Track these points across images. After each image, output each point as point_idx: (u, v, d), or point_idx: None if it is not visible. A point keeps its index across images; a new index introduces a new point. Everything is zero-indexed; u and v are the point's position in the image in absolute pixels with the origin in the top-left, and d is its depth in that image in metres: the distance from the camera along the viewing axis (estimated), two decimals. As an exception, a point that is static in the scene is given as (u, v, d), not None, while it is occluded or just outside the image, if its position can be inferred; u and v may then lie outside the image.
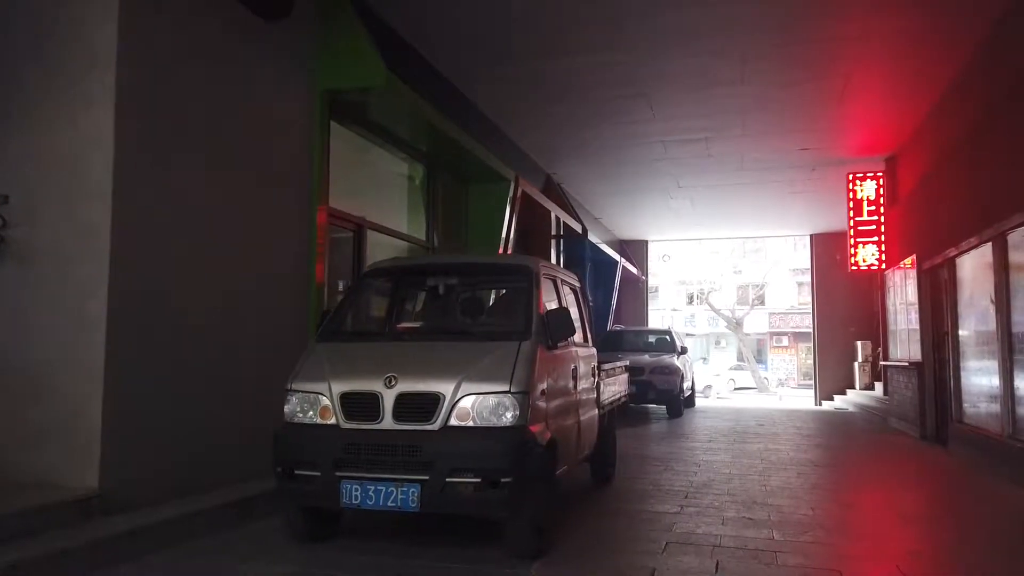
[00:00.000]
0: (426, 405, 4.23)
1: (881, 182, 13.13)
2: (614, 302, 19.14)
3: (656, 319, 33.05)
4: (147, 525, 4.35)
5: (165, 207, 5.00)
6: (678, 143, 12.09)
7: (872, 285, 16.62)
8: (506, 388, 4.23)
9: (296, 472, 4.33)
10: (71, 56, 4.76)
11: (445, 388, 4.23)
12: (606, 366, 6.87)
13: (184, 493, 4.97)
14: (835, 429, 12.89)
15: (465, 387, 4.23)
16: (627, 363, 8.43)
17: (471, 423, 4.20)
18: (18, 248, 4.77)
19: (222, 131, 5.54)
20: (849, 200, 13.38)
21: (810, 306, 21.39)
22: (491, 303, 5.96)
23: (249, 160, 5.85)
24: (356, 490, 4.16)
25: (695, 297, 43.87)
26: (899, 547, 4.99)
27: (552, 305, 5.19)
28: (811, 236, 20.52)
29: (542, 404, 4.54)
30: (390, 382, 4.29)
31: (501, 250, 10.02)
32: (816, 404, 19.80)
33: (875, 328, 16.25)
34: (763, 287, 41.53)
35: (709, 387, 28.09)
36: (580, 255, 15.43)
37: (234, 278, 5.65)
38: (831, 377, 19.76)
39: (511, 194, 10.30)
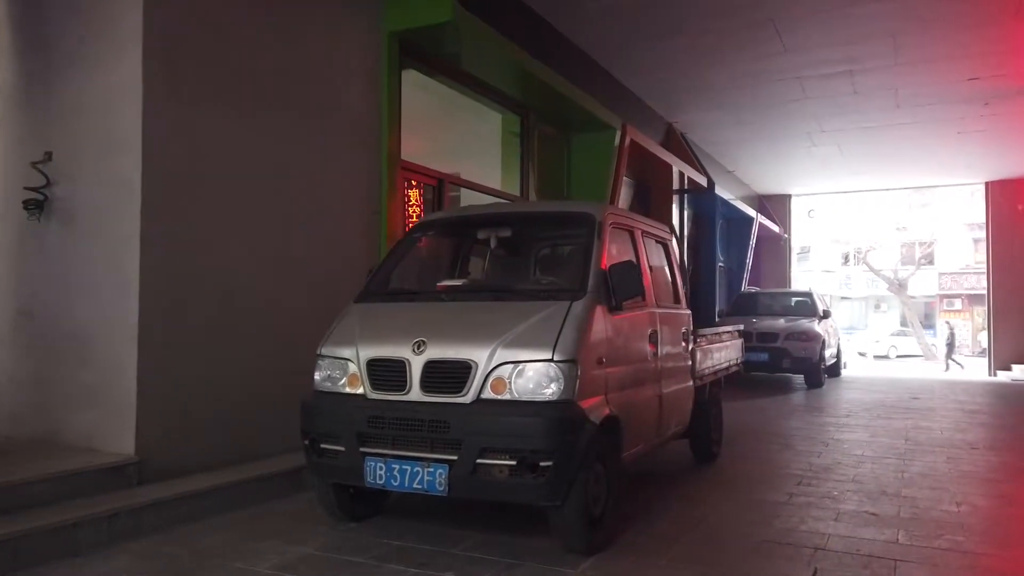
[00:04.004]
0: (457, 374, 3.67)
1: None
2: (748, 262, 17.69)
3: (806, 282, 30.62)
4: (175, 496, 4.13)
5: (200, 160, 4.69)
6: (817, 79, 10.64)
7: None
8: (548, 356, 3.58)
9: (322, 446, 3.94)
10: (102, -4, 4.51)
11: (478, 355, 3.65)
12: (706, 331, 6.01)
13: (225, 463, 4.72)
14: (1008, 404, 11.10)
15: (501, 354, 3.63)
16: (740, 327, 7.45)
17: (507, 396, 3.60)
18: (60, 206, 4.66)
19: (266, 78, 5.14)
20: (1032, 137, 11.36)
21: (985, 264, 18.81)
22: (552, 258, 5.29)
23: (302, 110, 5.44)
24: (380, 468, 3.69)
25: (851, 257, 40.38)
26: (1069, 563, 3.91)
27: (630, 260, 4.43)
28: (986, 184, 18.00)
29: (599, 374, 3.85)
30: (418, 347, 3.76)
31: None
32: (990, 375, 17.49)
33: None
34: (931, 244, 37.46)
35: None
36: (708, 211, 14.25)
37: (286, 235, 5.30)
38: (1010, 345, 17.35)
39: (617, 144, 9.42)
